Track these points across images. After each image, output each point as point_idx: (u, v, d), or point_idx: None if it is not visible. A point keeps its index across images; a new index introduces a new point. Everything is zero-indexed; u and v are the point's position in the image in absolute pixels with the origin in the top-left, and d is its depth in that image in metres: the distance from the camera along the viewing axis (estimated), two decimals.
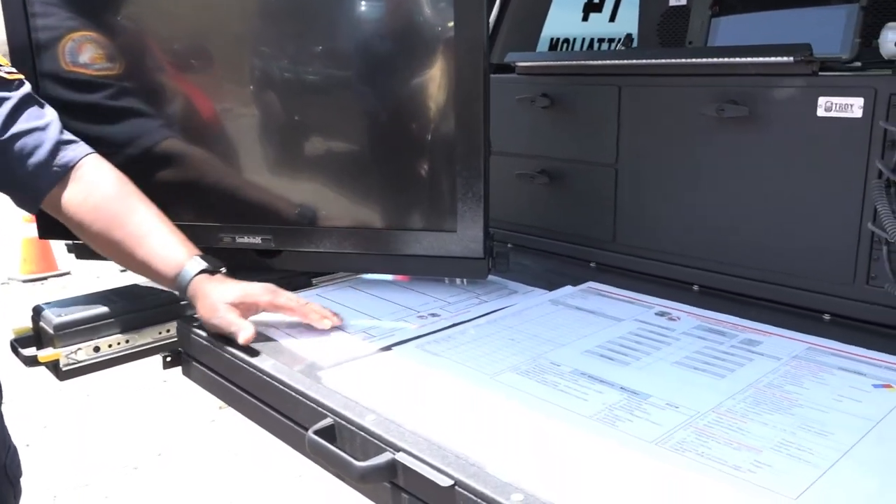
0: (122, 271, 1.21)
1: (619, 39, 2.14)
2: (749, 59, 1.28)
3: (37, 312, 1.25)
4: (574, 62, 1.68)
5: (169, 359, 1.29)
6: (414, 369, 1.06)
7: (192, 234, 1.22)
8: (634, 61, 1.52)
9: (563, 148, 1.61)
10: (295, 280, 1.44)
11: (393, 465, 0.83)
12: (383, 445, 0.86)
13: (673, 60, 1.42)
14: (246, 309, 1.15)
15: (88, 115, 1.33)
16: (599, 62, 1.56)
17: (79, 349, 1.21)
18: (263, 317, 1.20)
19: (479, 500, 0.75)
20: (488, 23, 1.39)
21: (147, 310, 1.28)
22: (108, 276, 1.30)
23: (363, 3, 1.32)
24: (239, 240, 1.38)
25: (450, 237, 1.31)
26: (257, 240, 1.38)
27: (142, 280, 1.30)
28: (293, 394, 1.00)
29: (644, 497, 0.74)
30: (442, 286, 1.42)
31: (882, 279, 1.17)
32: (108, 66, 1.33)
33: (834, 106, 1.18)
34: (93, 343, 1.22)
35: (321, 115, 1.37)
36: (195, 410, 3.22)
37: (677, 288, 1.41)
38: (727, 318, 1.23)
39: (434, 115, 1.30)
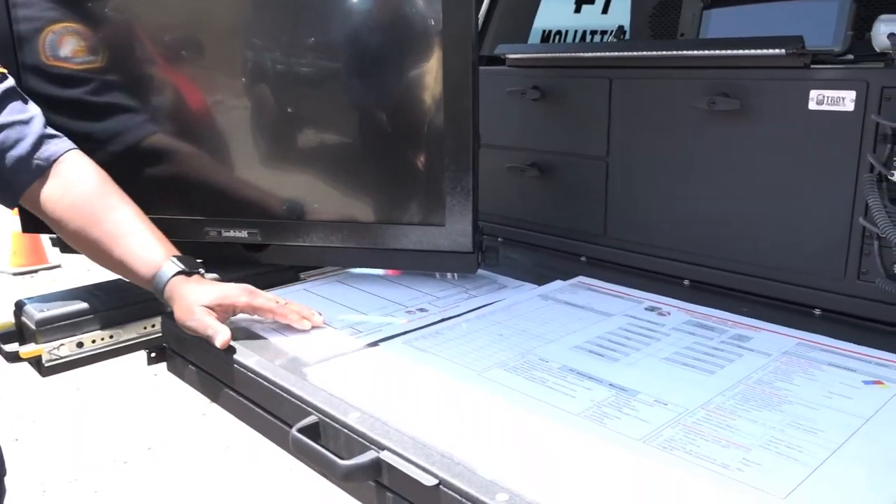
0: None
1: (612, 31, 2.13)
2: (741, 52, 1.26)
3: (19, 307, 1.23)
4: (564, 54, 1.67)
5: (153, 355, 1.27)
6: (401, 366, 1.05)
7: (177, 227, 1.21)
8: (625, 54, 1.51)
9: (553, 141, 1.60)
10: (282, 274, 1.43)
11: (377, 464, 0.82)
12: (367, 444, 0.85)
13: (664, 53, 1.40)
14: (223, 311, 1.12)
15: (74, 110, 1.31)
16: (590, 54, 1.55)
17: (61, 345, 1.19)
18: (247, 314, 1.18)
19: (463, 500, 0.74)
20: (478, 15, 1.38)
21: (131, 305, 1.26)
22: (99, 269, 1.28)
23: None
24: (225, 233, 1.37)
25: (438, 231, 1.30)
26: (243, 233, 1.36)
27: None
28: (277, 391, 0.99)
29: (631, 496, 0.73)
30: (431, 281, 1.41)
31: (873, 274, 1.16)
32: (90, 58, 1.31)
33: (826, 99, 1.17)
34: (76, 339, 1.20)
35: (309, 108, 1.36)
36: (186, 404, 3.20)
37: (668, 282, 1.40)
38: (718, 313, 1.22)
39: (423, 109, 1.28)
